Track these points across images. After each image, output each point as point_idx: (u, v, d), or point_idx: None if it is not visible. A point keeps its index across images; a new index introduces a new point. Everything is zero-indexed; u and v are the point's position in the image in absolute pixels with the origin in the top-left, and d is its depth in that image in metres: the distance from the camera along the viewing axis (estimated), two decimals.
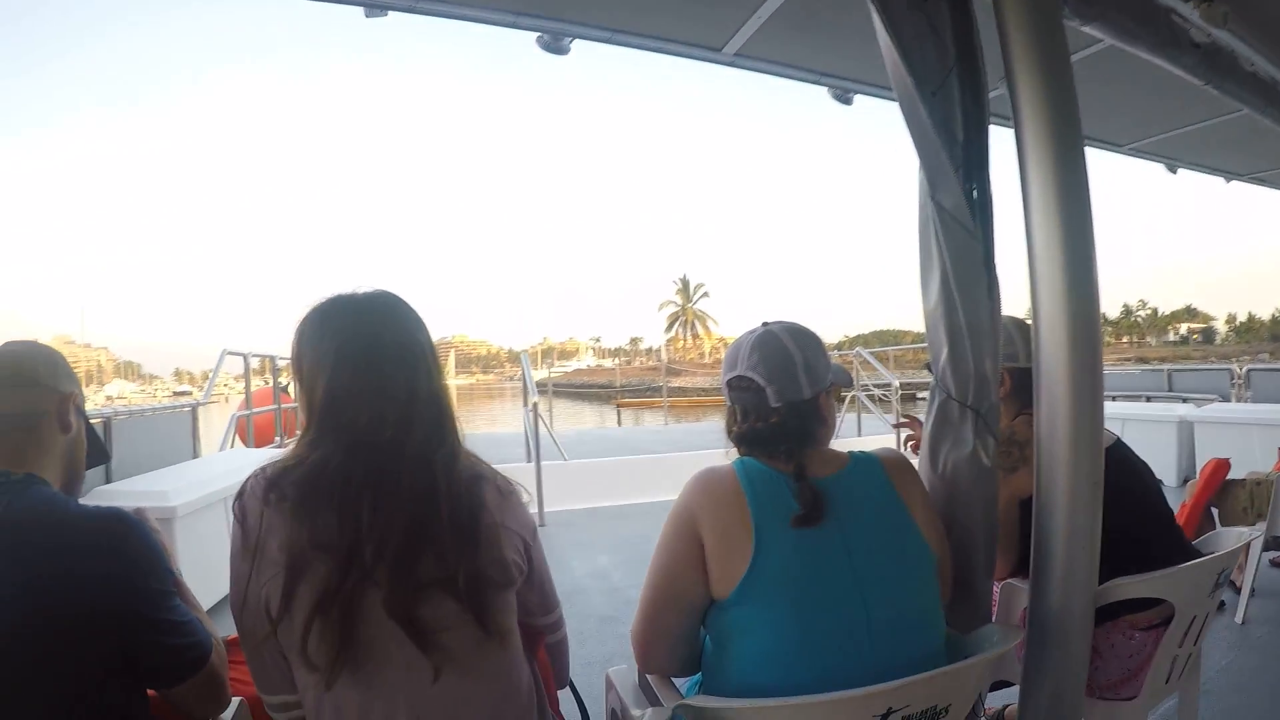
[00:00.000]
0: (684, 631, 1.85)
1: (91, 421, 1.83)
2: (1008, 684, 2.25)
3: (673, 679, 1.93)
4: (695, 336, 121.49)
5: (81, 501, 1.61)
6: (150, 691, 1.67)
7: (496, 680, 1.57)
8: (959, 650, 1.85)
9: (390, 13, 3.20)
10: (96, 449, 1.86)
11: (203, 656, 1.64)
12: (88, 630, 1.48)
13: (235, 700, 1.81)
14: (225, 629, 1.77)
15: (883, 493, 1.82)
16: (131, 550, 1.55)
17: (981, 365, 2.04)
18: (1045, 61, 1.90)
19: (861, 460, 1.87)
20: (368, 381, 1.57)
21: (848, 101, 4.09)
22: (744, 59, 3.78)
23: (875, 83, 4.01)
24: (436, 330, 1.73)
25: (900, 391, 13.10)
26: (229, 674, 1.79)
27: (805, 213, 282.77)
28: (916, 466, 2.03)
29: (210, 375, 10.09)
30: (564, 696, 2.03)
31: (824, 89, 4.08)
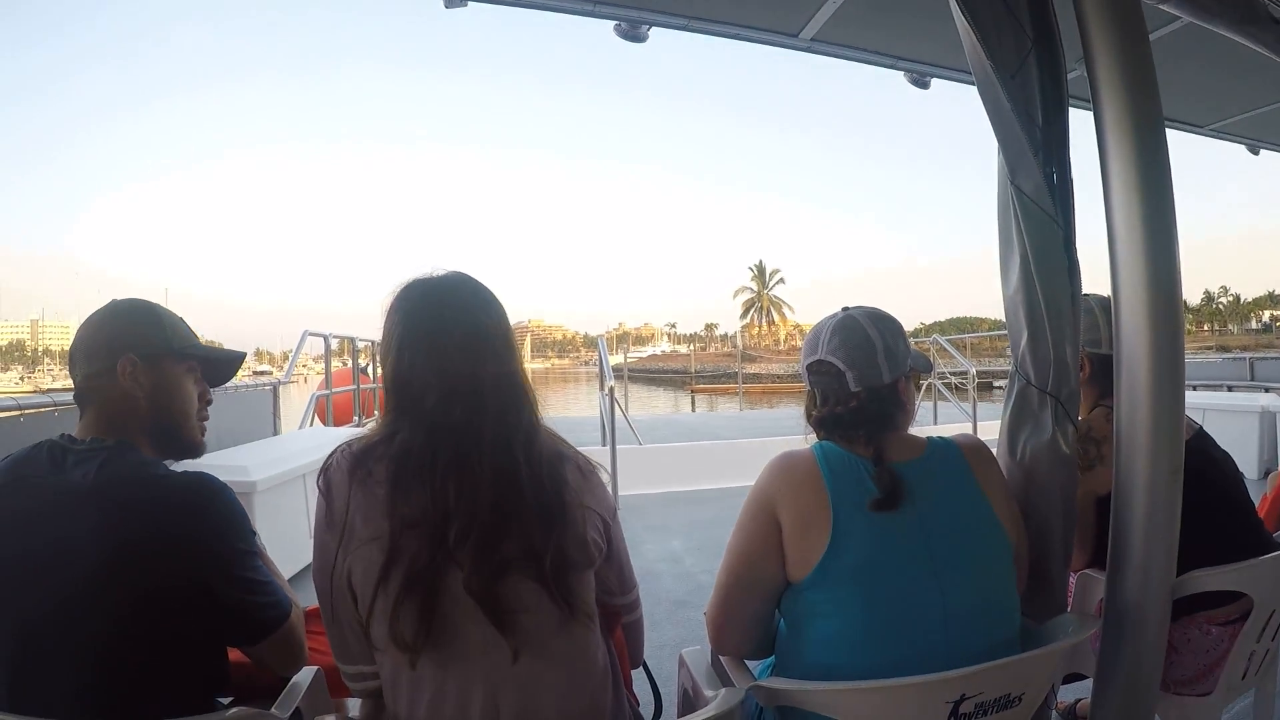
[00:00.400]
0: (759, 614, 1.87)
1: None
2: (1079, 677, 2.23)
3: (746, 661, 1.94)
4: (770, 323, 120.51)
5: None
6: (232, 653, 1.78)
7: (574, 661, 1.58)
8: (1033, 639, 1.84)
9: (470, 3, 3.23)
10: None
11: (282, 615, 1.76)
12: (175, 587, 1.59)
13: (312, 669, 1.89)
14: (305, 600, 1.85)
15: (961, 479, 1.81)
16: (216, 512, 1.66)
17: (1061, 351, 2.01)
18: (1123, 41, 1.86)
19: (940, 446, 1.87)
20: (431, 362, 1.59)
21: (924, 85, 4.02)
22: (820, 44, 3.74)
23: (952, 66, 3.94)
24: (513, 315, 1.75)
25: (977, 379, 12.92)
26: (309, 642, 1.91)
27: (880, 199, 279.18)
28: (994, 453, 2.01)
29: (291, 355, 10.29)
30: (637, 676, 2.05)
31: (900, 73, 4.02)
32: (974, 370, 12.86)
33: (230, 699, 1.79)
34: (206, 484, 1.68)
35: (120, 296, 1.90)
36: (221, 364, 1.97)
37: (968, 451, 1.86)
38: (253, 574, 1.71)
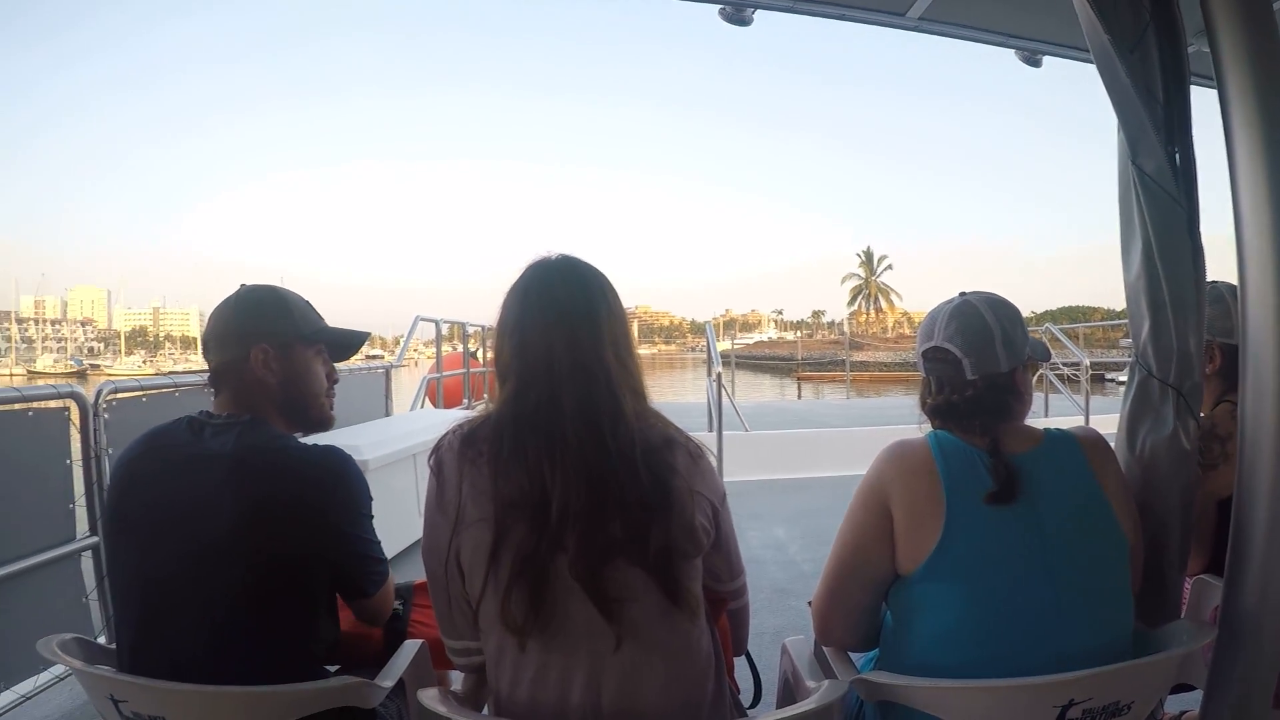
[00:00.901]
0: (866, 605, 1.85)
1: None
2: (1187, 687, 2.13)
3: (850, 653, 1.92)
4: (878, 310, 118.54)
5: None
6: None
7: (677, 651, 1.58)
8: (1145, 645, 1.77)
9: None
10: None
11: (386, 573, 1.98)
12: (303, 545, 1.75)
13: (417, 642, 2.00)
14: (415, 575, 1.98)
15: (1078, 473, 1.75)
16: (345, 481, 1.83)
17: (1185, 341, 1.92)
18: (1248, 11, 1.75)
19: (1057, 438, 1.81)
20: (535, 344, 1.61)
21: (1036, 64, 3.87)
22: (928, 23, 3.64)
23: (1066, 43, 3.75)
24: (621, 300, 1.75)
25: (1090, 371, 12.55)
26: (416, 616, 2.09)
27: (988, 182, 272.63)
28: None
29: (403, 339, 10.55)
30: (738, 663, 2.04)
31: (1011, 51, 3.88)
32: (1087, 361, 12.52)
33: (336, 668, 1.88)
34: (338, 456, 1.84)
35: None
36: (346, 342, 2.10)
37: (1086, 445, 1.79)
38: (370, 537, 1.90)
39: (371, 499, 1.90)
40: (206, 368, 1.94)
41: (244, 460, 1.75)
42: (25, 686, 3.39)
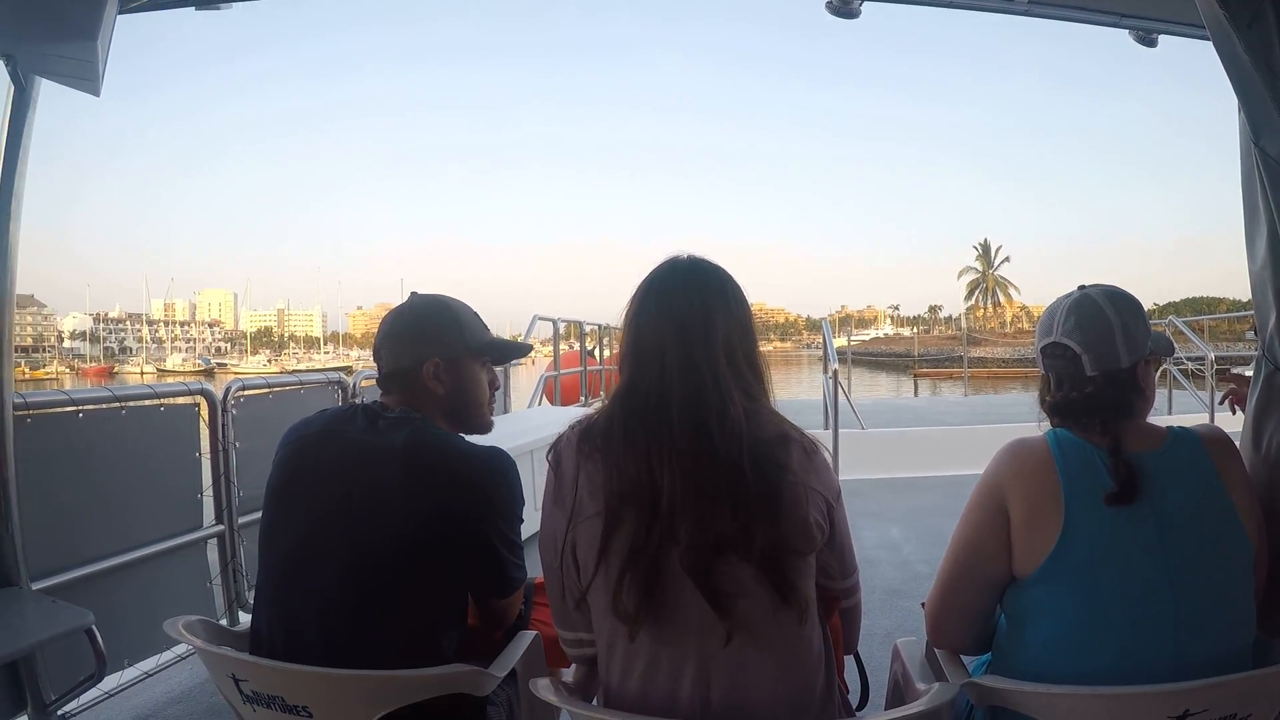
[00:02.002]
0: (980, 607, 1.82)
1: None
2: None
3: (962, 656, 1.89)
4: (996, 305, 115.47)
5: None
6: None
7: (787, 649, 1.58)
8: (1266, 655, 1.71)
9: None
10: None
11: (523, 580, 2.05)
12: (462, 538, 1.87)
13: (531, 633, 2.06)
14: (531, 568, 2.00)
15: (1202, 473, 1.68)
16: (508, 483, 1.94)
17: None
18: None
19: (1181, 436, 1.74)
20: (652, 340, 1.64)
21: (1151, 44, 3.72)
22: (1039, 6, 3.52)
23: (1181, 20, 3.59)
24: None
25: (1215, 366, 12.06)
26: (534, 614, 2.16)
27: (1107, 169, 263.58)
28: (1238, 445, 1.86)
29: (520, 339, 10.72)
30: (846, 664, 2.02)
31: (1124, 32, 3.73)
32: (1212, 355, 12.02)
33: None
34: (502, 458, 1.95)
35: (421, 291, 2.17)
36: (509, 353, 2.25)
37: (1210, 444, 1.72)
38: (516, 540, 1.98)
39: (524, 503, 1.99)
40: (347, 368, 2.06)
41: (416, 454, 1.86)
42: (148, 664, 3.58)
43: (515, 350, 2.27)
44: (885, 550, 5.82)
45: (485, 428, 2.15)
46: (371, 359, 2.12)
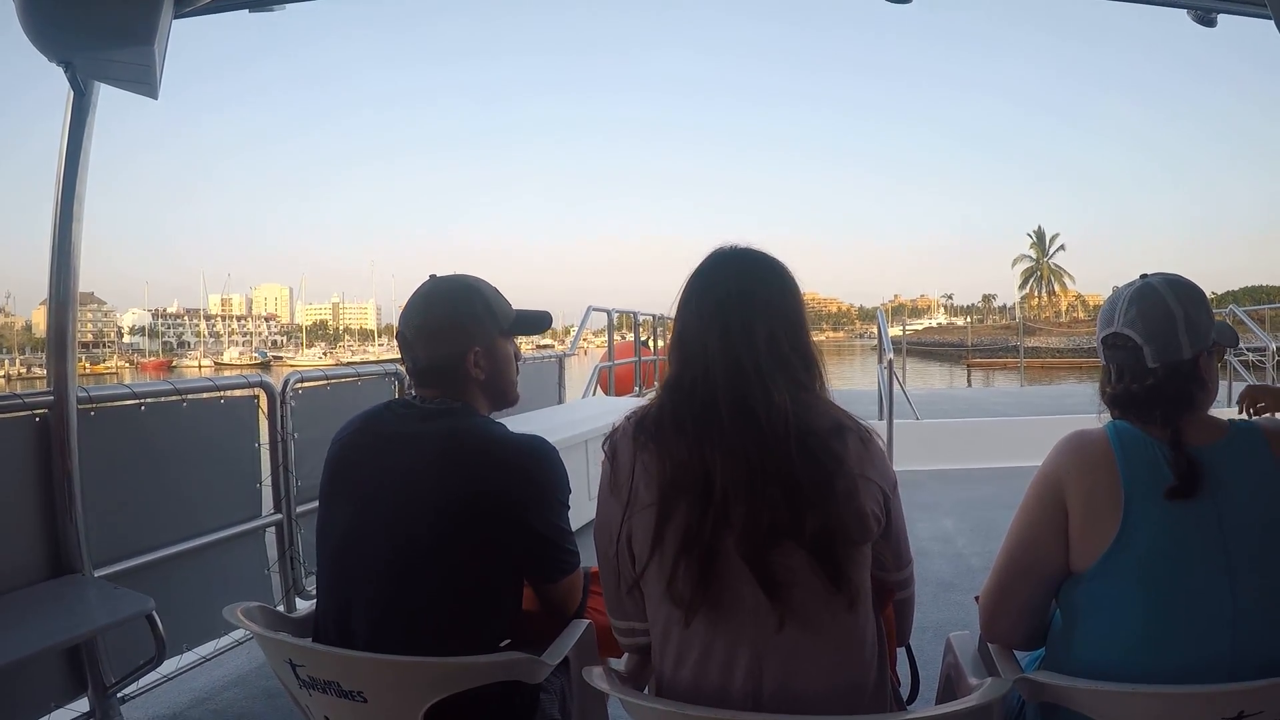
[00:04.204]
0: (1035, 603, 1.80)
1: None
2: None
3: (1015, 651, 1.87)
4: (1050, 294, 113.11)
5: None
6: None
7: (840, 638, 1.58)
8: None
9: None
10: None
11: (577, 562, 2.06)
12: (508, 524, 1.89)
13: (584, 622, 2.07)
14: (585, 556, 2.02)
15: (1264, 468, 1.63)
16: (550, 468, 1.98)
17: None
18: None
19: (1243, 430, 1.69)
20: (701, 330, 1.65)
21: (1211, 24, 3.62)
22: None
23: None
24: None
25: (1277, 357, 11.79)
26: (591, 604, 2.14)
27: (1163, 152, 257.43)
28: None
29: (575, 329, 10.79)
30: (898, 656, 2.01)
31: (1182, 11, 3.62)
32: (1274, 346, 11.77)
33: (506, 642, 1.96)
34: (544, 445, 1.99)
35: (440, 273, 2.16)
36: (534, 325, 2.24)
37: (1273, 438, 1.66)
38: (565, 524, 2.01)
39: (570, 490, 2.03)
40: (400, 359, 2.12)
41: (457, 442, 1.89)
42: (206, 648, 3.66)
43: (540, 321, 2.24)
44: (939, 543, 5.77)
45: (515, 400, 2.19)
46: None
